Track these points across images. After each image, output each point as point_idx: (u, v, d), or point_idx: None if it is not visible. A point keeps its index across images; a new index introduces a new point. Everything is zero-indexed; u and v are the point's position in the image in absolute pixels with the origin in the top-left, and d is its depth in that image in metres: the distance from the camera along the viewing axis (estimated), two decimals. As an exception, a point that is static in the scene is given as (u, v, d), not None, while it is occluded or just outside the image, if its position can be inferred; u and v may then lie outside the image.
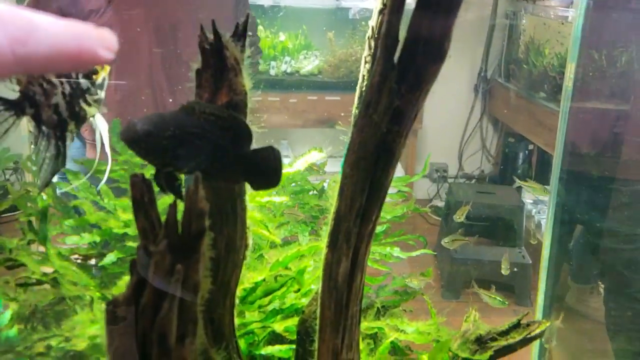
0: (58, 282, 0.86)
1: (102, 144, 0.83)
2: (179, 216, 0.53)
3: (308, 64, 4.07)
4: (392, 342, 0.89)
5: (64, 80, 0.68)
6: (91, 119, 0.73)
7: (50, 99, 0.67)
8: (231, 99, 0.66)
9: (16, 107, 0.66)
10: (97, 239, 0.99)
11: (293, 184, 1.24)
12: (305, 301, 0.91)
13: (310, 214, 1.21)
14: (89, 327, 0.77)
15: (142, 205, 0.54)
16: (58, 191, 1.14)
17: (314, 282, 0.94)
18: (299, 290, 0.91)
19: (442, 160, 4.59)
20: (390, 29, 0.60)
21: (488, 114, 4.51)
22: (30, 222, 0.96)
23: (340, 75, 3.91)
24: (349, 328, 0.72)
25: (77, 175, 1.06)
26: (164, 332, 0.52)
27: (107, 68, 0.73)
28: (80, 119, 0.71)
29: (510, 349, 0.92)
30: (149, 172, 0.57)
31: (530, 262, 3.31)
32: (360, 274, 0.70)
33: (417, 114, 0.64)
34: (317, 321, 0.72)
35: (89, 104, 0.71)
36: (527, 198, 3.97)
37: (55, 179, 1.08)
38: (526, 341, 0.92)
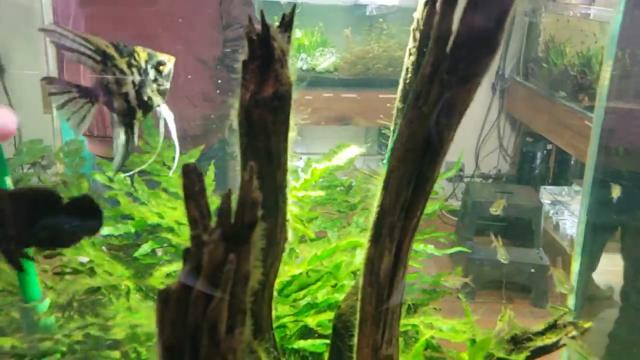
0: (94, 271, 0.87)
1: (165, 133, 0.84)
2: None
3: (324, 61, 4.05)
4: (425, 340, 0.88)
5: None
6: (157, 108, 0.74)
7: (122, 88, 0.68)
8: (277, 89, 0.65)
9: (91, 95, 0.67)
10: (132, 229, 0.99)
11: (321, 180, 1.23)
12: (338, 296, 0.91)
13: (339, 210, 1.21)
14: (128, 316, 0.78)
15: (193, 194, 0.54)
16: None
17: (346, 277, 0.94)
18: (335, 285, 0.91)
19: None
20: (444, 20, 0.59)
21: (506, 112, 4.47)
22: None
23: (357, 72, 3.88)
24: (389, 323, 0.71)
25: (110, 166, 1.06)
26: (215, 323, 0.52)
27: (173, 59, 0.74)
28: (147, 107, 0.72)
29: (545, 349, 0.90)
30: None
31: (548, 263, 3.28)
32: (403, 269, 0.69)
33: (467, 107, 0.63)
34: (357, 316, 0.72)
35: (156, 94, 0.72)
36: (545, 199, 3.93)
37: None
38: (562, 342, 0.91)
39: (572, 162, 4.26)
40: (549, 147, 4.19)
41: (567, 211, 3.86)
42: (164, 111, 0.76)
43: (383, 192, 0.67)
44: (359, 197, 1.22)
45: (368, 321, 0.70)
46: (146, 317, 0.78)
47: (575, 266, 1.76)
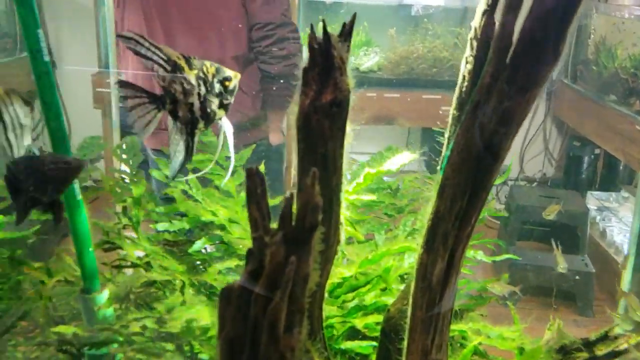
0: (151, 266, 0.91)
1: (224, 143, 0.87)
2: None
3: (368, 61, 4.04)
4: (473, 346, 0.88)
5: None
6: (219, 121, 0.77)
7: (188, 98, 0.71)
8: (335, 96, 0.67)
9: (158, 102, 0.71)
10: (187, 226, 1.03)
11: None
12: (386, 299, 0.92)
13: (386, 213, 1.21)
14: (184, 310, 0.81)
15: (255, 196, 0.56)
16: None
17: (394, 281, 0.94)
18: (385, 288, 0.92)
19: (501, 162, 4.46)
20: (505, 30, 0.59)
21: (552, 115, 4.36)
22: (125, 208, 1.01)
23: (400, 72, 3.86)
24: (439, 329, 0.72)
25: (165, 162, 1.11)
26: (275, 321, 0.53)
27: (239, 76, 0.77)
28: (209, 119, 0.75)
29: (596, 361, 0.89)
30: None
31: (594, 270, 3.19)
32: (455, 276, 0.70)
33: (525, 117, 0.63)
34: (408, 320, 0.72)
35: (219, 107, 0.75)
36: (592, 204, 3.82)
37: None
38: (614, 355, 0.89)
39: (621, 168, 4.12)
40: (597, 151, 4.07)
41: (614, 218, 3.74)
42: (225, 124, 0.79)
43: (438, 199, 0.68)
44: (406, 201, 1.23)
45: (418, 326, 0.71)
46: (200, 312, 0.81)
47: (627, 277, 1.70)
